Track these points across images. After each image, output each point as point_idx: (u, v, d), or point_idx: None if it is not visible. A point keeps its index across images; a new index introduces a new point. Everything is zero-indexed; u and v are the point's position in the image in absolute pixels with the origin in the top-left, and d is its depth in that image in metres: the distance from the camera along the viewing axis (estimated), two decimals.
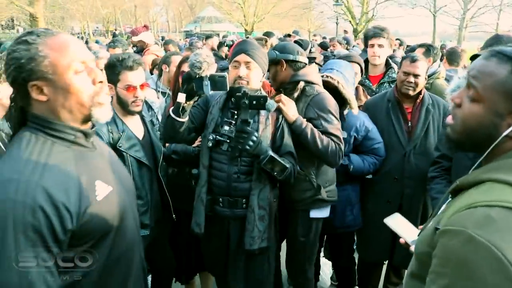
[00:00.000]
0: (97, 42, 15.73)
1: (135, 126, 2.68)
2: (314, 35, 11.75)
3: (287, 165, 2.55)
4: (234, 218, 2.65)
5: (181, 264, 3.27)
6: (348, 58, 3.76)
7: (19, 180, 1.24)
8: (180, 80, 3.03)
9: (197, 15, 45.67)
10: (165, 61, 4.14)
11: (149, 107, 3.61)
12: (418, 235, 1.36)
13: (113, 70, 2.57)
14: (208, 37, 8.94)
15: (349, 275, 3.60)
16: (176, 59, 3.85)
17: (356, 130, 3.10)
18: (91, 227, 1.38)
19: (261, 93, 2.67)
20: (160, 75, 4.24)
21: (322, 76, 2.91)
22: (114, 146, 2.49)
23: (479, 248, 0.96)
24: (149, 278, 3.21)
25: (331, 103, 2.82)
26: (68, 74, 1.36)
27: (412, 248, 1.64)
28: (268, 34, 7.62)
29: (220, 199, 2.63)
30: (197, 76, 2.44)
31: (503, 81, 1.09)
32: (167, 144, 3.07)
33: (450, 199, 1.26)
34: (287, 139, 2.68)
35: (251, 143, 2.44)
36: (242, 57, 2.59)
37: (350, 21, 27.28)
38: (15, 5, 21.61)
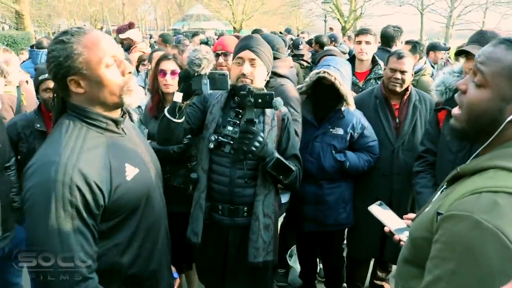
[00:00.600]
0: None
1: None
2: (302, 32, 11.75)
3: (293, 168, 2.44)
4: (234, 227, 2.50)
5: None
6: (327, 52, 3.82)
7: (59, 162, 1.42)
8: (161, 78, 3.02)
9: (186, 13, 45.44)
10: (149, 58, 4.14)
11: (137, 105, 3.59)
12: (413, 221, 1.36)
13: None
14: (194, 34, 8.87)
15: (338, 273, 3.59)
16: (157, 56, 3.84)
17: (352, 127, 3.09)
18: (121, 203, 1.56)
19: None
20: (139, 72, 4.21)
21: (319, 72, 2.91)
22: None
23: (485, 233, 0.96)
24: None
25: (293, 95, 2.89)
26: (100, 69, 1.51)
27: (397, 237, 1.66)
28: (257, 32, 7.61)
29: (220, 206, 2.47)
30: (196, 74, 2.33)
31: (510, 66, 1.11)
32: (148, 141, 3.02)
33: (445, 186, 1.26)
34: (293, 141, 2.58)
35: (257, 144, 2.26)
36: (246, 54, 2.44)
37: (338, 19, 27.34)
38: (0, 2, 21.32)
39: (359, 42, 4.27)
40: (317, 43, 6.76)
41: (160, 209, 1.83)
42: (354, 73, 4.22)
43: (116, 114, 1.66)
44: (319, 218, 3.16)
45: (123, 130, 1.70)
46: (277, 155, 2.37)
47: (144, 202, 1.67)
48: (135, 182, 1.61)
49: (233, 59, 2.57)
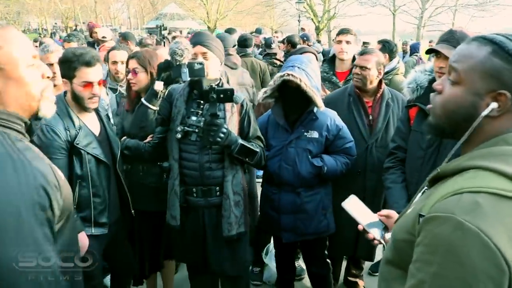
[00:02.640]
0: (51, 36, 15.27)
1: (91, 122, 2.60)
2: (276, 32, 11.79)
3: (257, 150, 2.67)
4: (208, 207, 2.70)
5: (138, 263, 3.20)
6: (301, 50, 3.82)
7: (14, 160, 1.27)
8: (133, 75, 3.03)
9: (159, 11, 45.02)
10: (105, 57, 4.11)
11: (118, 105, 3.56)
12: (395, 222, 1.35)
13: (70, 65, 2.45)
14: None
15: (324, 280, 3.38)
16: (114, 55, 3.86)
17: (327, 129, 2.98)
18: (64, 206, 1.41)
19: (222, 83, 2.74)
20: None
21: (283, 76, 2.79)
22: (71, 143, 2.41)
23: (468, 234, 0.96)
24: (108, 277, 3.15)
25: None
26: (20, 66, 1.38)
27: (370, 235, 1.67)
28: (229, 31, 7.61)
29: (194, 189, 2.67)
30: (177, 64, 2.51)
31: (482, 61, 1.11)
32: (122, 138, 3.02)
33: (426, 187, 1.26)
34: (254, 124, 2.78)
35: (222, 135, 2.49)
36: (198, 49, 2.67)
37: (312, 19, 27.51)
38: None
39: (340, 42, 4.26)
40: (289, 43, 6.77)
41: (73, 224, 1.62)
42: (334, 73, 4.24)
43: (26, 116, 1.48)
44: (298, 227, 3.02)
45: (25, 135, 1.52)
46: (240, 141, 2.60)
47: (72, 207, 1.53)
48: (66, 186, 1.48)
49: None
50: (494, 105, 1.09)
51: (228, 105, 2.66)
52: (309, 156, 2.95)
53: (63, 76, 2.49)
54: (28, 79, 1.40)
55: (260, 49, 7.83)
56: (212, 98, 2.46)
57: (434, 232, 1.02)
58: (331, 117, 3.02)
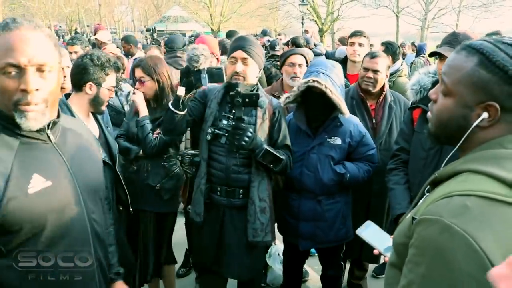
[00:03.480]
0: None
1: (92, 126, 2.64)
2: (279, 34, 11.79)
3: (283, 157, 2.66)
4: (230, 207, 2.74)
5: (140, 265, 3.19)
6: (293, 51, 3.80)
7: None
8: (140, 85, 3.08)
9: (163, 14, 45.10)
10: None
11: (122, 108, 3.64)
12: (396, 228, 1.36)
13: (104, 69, 2.56)
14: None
15: (336, 281, 3.36)
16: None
17: (350, 136, 2.92)
18: (16, 220, 1.36)
19: (257, 89, 2.74)
20: None
21: (308, 81, 2.73)
22: None
23: (454, 237, 0.96)
24: None
25: None
26: None
27: (386, 258, 1.65)
28: (231, 33, 7.63)
29: (218, 188, 2.72)
30: (195, 69, 2.54)
31: (469, 74, 1.11)
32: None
33: (427, 193, 1.26)
34: (284, 133, 2.78)
35: (246, 139, 2.51)
36: (239, 53, 2.66)
37: (315, 21, 27.50)
38: None
39: (352, 44, 4.28)
40: (293, 44, 6.78)
41: (83, 235, 1.57)
42: (345, 75, 4.22)
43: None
44: (317, 235, 2.97)
45: (48, 136, 1.51)
46: (265, 146, 2.60)
47: (51, 223, 1.45)
48: (40, 197, 1.41)
49: (227, 58, 2.79)
50: (484, 115, 1.09)
51: (259, 112, 2.68)
52: (332, 163, 2.89)
53: (91, 80, 2.54)
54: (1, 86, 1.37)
55: (264, 51, 7.81)
56: (238, 102, 2.49)
57: (423, 234, 1.04)
58: (355, 123, 2.96)
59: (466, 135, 1.13)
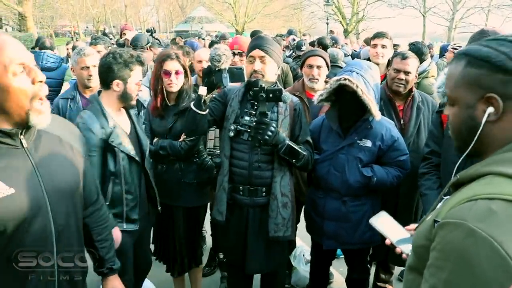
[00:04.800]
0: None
1: (123, 120, 2.72)
2: (304, 35, 11.74)
3: (305, 153, 2.70)
4: (253, 206, 2.76)
5: (175, 257, 3.27)
6: (311, 53, 3.77)
7: None
8: (166, 78, 3.08)
9: (188, 15, 45.52)
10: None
11: (141, 105, 3.62)
12: (415, 229, 1.34)
13: (128, 65, 2.63)
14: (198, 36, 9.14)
15: (362, 285, 3.27)
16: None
17: (381, 139, 2.82)
18: None
19: (277, 85, 2.75)
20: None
21: (340, 79, 2.69)
22: (106, 141, 2.53)
23: (479, 242, 0.94)
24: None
25: None
26: (6, 75, 1.36)
27: (398, 249, 1.64)
28: (256, 33, 7.64)
29: (241, 187, 2.74)
30: (217, 69, 2.57)
31: (461, 76, 1.15)
32: (154, 140, 3.13)
33: (446, 195, 1.25)
34: (305, 128, 2.83)
35: (269, 133, 2.54)
36: (256, 52, 2.69)
37: (340, 22, 27.36)
38: (3, 4, 21.38)
39: (375, 46, 4.21)
40: (320, 45, 6.73)
41: (42, 234, 1.53)
42: None
43: (12, 124, 1.47)
44: (341, 236, 2.91)
45: (21, 142, 1.50)
46: (288, 141, 2.63)
47: (9, 233, 1.44)
48: (2, 204, 1.40)
49: (246, 58, 2.84)
50: (490, 109, 1.10)
51: (281, 108, 2.72)
52: (359, 165, 2.83)
53: (117, 77, 2.62)
54: (14, 88, 1.38)
55: (291, 51, 7.79)
56: (262, 97, 2.52)
57: (446, 238, 1.02)
58: (387, 127, 2.88)
59: (478, 133, 1.12)
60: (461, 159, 1.22)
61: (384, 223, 1.77)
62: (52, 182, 1.57)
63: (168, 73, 3.07)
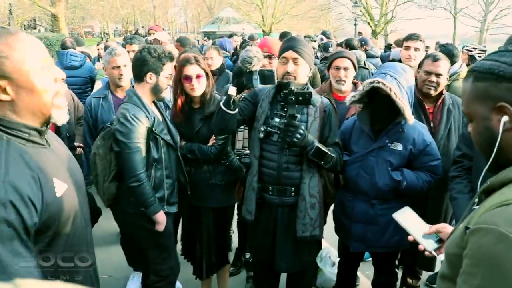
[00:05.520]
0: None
1: (157, 113, 2.91)
2: (334, 36, 11.64)
3: (333, 155, 2.71)
4: (282, 206, 2.78)
5: (202, 259, 3.30)
6: (338, 54, 3.74)
7: None
8: (187, 83, 3.07)
9: (216, 16, 45.83)
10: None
11: (167, 106, 3.65)
12: (448, 238, 1.34)
13: (159, 59, 2.82)
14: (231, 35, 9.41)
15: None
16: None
17: (413, 143, 2.77)
18: (49, 223, 1.37)
19: (308, 88, 2.77)
20: None
21: (373, 82, 2.65)
22: (150, 129, 2.75)
23: (511, 247, 0.94)
24: None
25: None
26: (30, 73, 1.37)
27: (421, 246, 1.63)
28: (285, 34, 7.63)
29: (270, 187, 2.76)
30: (248, 71, 2.60)
31: (471, 91, 1.21)
32: (182, 143, 3.17)
33: (477, 200, 1.26)
34: (334, 130, 2.84)
35: (298, 135, 2.55)
36: (289, 54, 2.69)
37: (368, 23, 27.09)
38: (37, 5, 21.98)
39: (408, 48, 4.16)
40: (347, 46, 6.68)
41: (83, 235, 1.61)
42: None
43: (39, 123, 1.48)
44: (368, 238, 2.88)
45: (46, 141, 1.52)
46: (317, 144, 2.63)
47: (71, 223, 1.49)
48: (64, 200, 1.45)
49: (278, 58, 2.83)
50: (504, 118, 1.13)
51: (311, 110, 2.72)
52: (389, 168, 2.78)
53: (151, 70, 2.81)
54: (39, 87, 1.39)
55: (320, 53, 7.72)
56: (291, 100, 2.53)
57: (478, 244, 1.01)
58: (420, 131, 2.82)
59: (498, 142, 1.15)
60: (484, 171, 1.23)
61: (407, 219, 1.78)
62: (75, 177, 1.61)
63: (189, 78, 3.04)
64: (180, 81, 3.08)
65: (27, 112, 1.41)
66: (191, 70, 3.04)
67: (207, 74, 3.10)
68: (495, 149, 1.15)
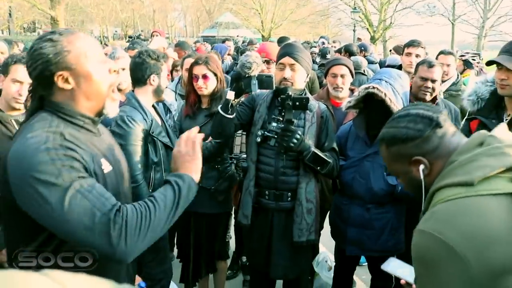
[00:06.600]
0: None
1: (155, 115, 2.94)
2: (334, 42, 11.58)
3: (329, 160, 2.72)
4: (278, 210, 2.79)
5: (189, 267, 3.30)
6: (335, 62, 3.76)
7: (47, 139, 1.41)
8: (195, 82, 3.16)
9: (215, 20, 45.90)
10: (181, 64, 4.23)
11: (167, 109, 3.68)
12: None
13: (158, 60, 2.90)
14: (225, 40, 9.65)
15: None
16: (188, 62, 3.91)
17: None
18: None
19: (305, 93, 2.81)
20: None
21: (368, 88, 2.69)
22: (148, 132, 2.75)
23: (424, 236, 1.24)
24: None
25: None
26: (89, 64, 1.54)
27: (414, 286, 1.71)
28: (283, 39, 7.65)
29: (266, 192, 2.78)
30: (246, 76, 2.63)
31: (388, 156, 1.50)
32: None
33: None
34: (331, 136, 2.85)
35: (295, 140, 2.57)
36: (287, 60, 2.72)
37: (367, 29, 27.16)
38: (37, 8, 22.02)
39: (409, 54, 4.13)
40: (346, 52, 6.70)
41: None
42: None
43: (93, 113, 1.64)
44: (363, 242, 2.91)
45: (98, 130, 1.68)
46: (313, 149, 2.65)
47: None
48: (109, 178, 1.59)
49: (276, 64, 2.86)
50: (421, 167, 1.40)
51: (308, 115, 2.75)
52: (385, 173, 2.80)
53: (153, 72, 2.87)
54: (97, 76, 1.57)
55: (319, 59, 7.71)
56: (288, 105, 2.55)
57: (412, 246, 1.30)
58: None
59: (423, 186, 1.42)
60: (422, 210, 1.43)
61: (395, 267, 1.87)
62: (119, 166, 1.74)
63: (196, 77, 3.15)
64: (190, 80, 3.22)
65: (84, 100, 1.57)
66: (198, 70, 3.15)
67: (216, 75, 3.16)
68: (423, 192, 1.41)
